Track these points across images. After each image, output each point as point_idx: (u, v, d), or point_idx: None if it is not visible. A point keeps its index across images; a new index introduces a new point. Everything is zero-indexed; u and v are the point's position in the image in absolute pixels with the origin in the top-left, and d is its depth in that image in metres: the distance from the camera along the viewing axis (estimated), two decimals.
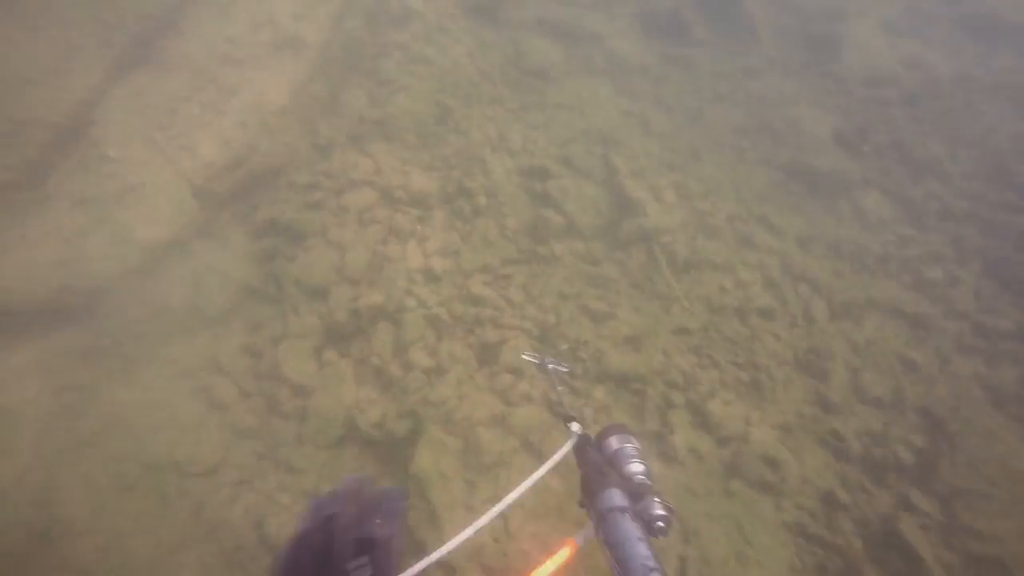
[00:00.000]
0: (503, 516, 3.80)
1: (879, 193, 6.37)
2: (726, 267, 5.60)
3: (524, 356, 2.36)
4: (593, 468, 1.59)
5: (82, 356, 5.03)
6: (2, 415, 4.75)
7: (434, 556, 1.16)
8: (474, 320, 4.98)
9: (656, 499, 1.48)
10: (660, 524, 1.43)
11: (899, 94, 7.23)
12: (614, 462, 1.62)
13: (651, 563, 1.26)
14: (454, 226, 5.61)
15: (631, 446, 1.64)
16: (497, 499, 1.51)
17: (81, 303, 5.15)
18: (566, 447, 1.71)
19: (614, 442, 1.66)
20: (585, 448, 1.69)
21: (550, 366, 2.21)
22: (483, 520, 1.37)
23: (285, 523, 4.22)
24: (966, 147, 6.59)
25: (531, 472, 1.55)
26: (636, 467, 1.59)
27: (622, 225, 5.68)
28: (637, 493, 1.50)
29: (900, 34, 7.96)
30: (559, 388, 2.13)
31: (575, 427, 1.80)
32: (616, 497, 1.45)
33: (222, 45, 6.05)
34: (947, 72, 7.32)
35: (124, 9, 6.00)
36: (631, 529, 1.36)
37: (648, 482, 1.57)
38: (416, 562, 1.06)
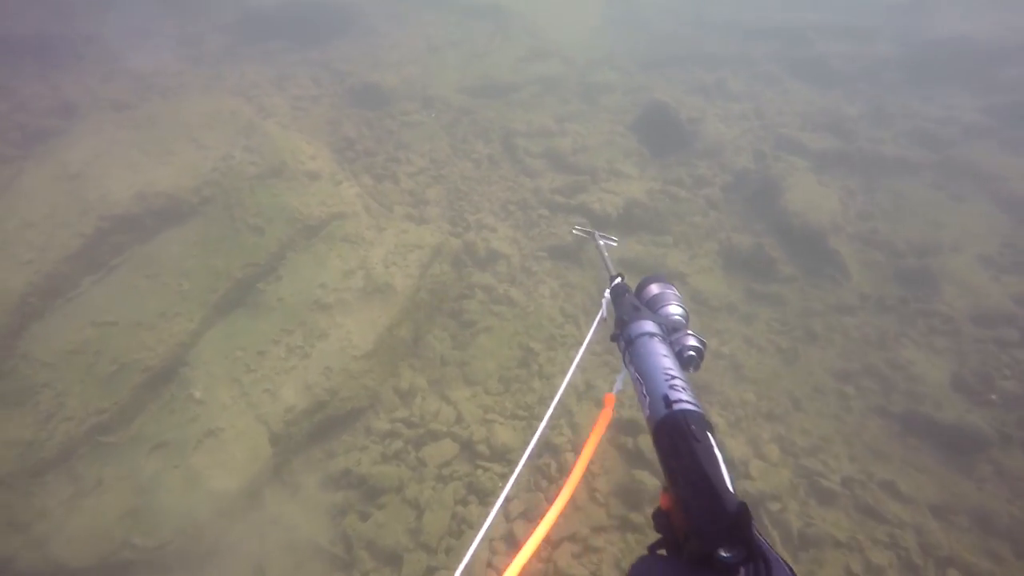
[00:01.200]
0: None
1: None
2: (851, 545, 4.99)
3: (575, 231, 2.42)
4: (628, 305, 1.62)
5: None
6: None
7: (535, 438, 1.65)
8: None
9: (689, 332, 1.49)
10: (691, 354, 1.45)
11: (1020, 335, 6.90)
12: (651, 305, 1.63)
13: (673, 372, 1.28)
14: (539, 486, 5.34)
15: (671, 292, 1.65)
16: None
17: (140, 560, 5.00)
18: (606, 296, 1.76)
19: (654, 288, 1.68)
20: (623, 293, 1.72)
21: (600, 241, 2.26)
22: (561, 390, 1.69)
23: None
24: None
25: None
26: (673, 309, 1.59)
27: None
28: (671, 328, 1.51)
29: (1003, 270, 7.85)
30: (606, 254, 2.17)
31: (617, 280, 1.83)
32: (647, 325, 1.48)
33: (315, 290, 6.48)
34: None
35: (233, 258, 6.62)
36: (658, 348, 1.38)
37: (683, 320, 1.57)
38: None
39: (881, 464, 5.70)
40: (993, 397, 6.24)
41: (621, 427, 5.79)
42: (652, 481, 5.26)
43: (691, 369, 1.47)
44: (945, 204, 8.94)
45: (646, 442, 5.58)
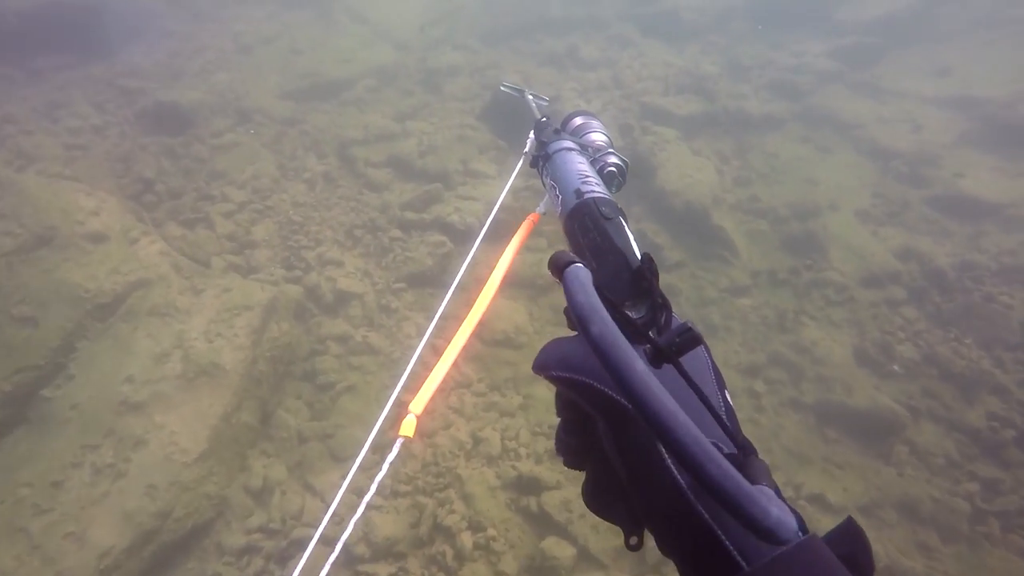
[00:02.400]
0: None
1: (933, 424, 5.72)
2: None
3: (503, 87, 2.32)
4: (549, 131, 1.60)
5: None
6: None
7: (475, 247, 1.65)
8: None
9: (611, 151, 1.51)
10: (612, 170, 1.46)
11: (906, 293, 6.93)
12: (575, 133, 1.62)
13: (587, 172, 1.30)
14: None
15: (596, 122, 1.65)
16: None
17: None
18: (530, 134, 1.69)
19: (578, 120, 1.67)
20: (546, 127, 1.64)
21: (529, 96, 2.14)
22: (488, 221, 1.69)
23: None
24: (1008, 349, 6.12)
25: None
26: (596, 136, 1.59)
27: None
28: (594, 151, 1.51)
29: (879, 223, 7.90)
30: (533, 105, 2.01)
31: (542, 119, 1.75)
32: (567, 142, 1.50)
33: (121, 387, 5.30)
34: (946, 261, 7.10)
35: None
36: (575, 158, 1.39)
37: (606, 145, 1.56)
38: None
39: (805, 470, 5.43)
40: (896, 367, 6.16)
41: (521, 486, 5.13)
42: (566, 550, 4.65)
43: (613, 188, 1.45)
44: (814, 158, 8.94)
45: (549, 499, 4.96)
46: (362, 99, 9.64)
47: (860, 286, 7.09)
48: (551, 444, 5.46)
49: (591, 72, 11.00)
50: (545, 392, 5.98)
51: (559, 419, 0.96)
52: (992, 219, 7.61)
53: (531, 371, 0.90)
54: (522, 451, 5.42)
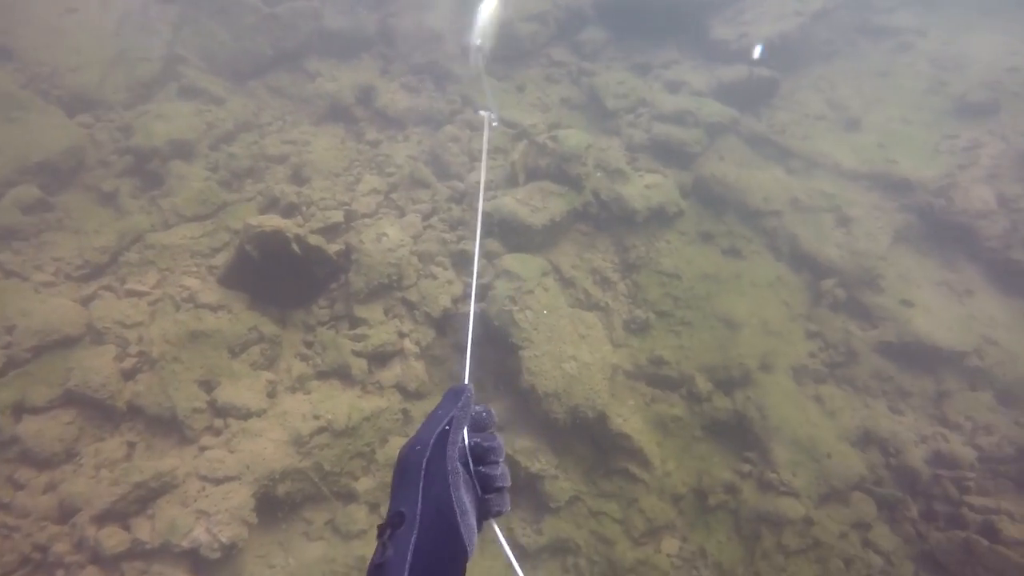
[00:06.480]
0: None
1: None
2: None
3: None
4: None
5: None
6: None
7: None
8: None
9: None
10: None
11: (875, 509, 5.92)
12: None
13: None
14: None
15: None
16: None
17: None
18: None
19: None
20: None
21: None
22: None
23: None
24: None
25: None
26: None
27: None
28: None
29: (819, 379, 6.76)
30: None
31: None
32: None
33: None
34: (917, 453, 6.15)
35: None
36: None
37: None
38: None
39: None
40: None
41: None
42: None
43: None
44: (725, 273, 7.53)
45: None
46: (15, 232, 6.52)
47: (818, 506, 5.88)
48: None
49: (398, 139, 8.66)
50: None
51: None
52: (952, 372, 6.80)
53: None
54: None
